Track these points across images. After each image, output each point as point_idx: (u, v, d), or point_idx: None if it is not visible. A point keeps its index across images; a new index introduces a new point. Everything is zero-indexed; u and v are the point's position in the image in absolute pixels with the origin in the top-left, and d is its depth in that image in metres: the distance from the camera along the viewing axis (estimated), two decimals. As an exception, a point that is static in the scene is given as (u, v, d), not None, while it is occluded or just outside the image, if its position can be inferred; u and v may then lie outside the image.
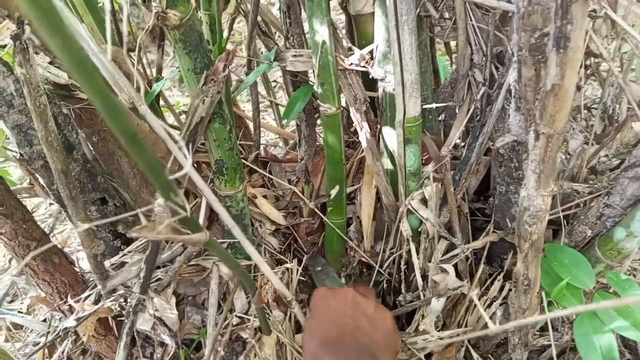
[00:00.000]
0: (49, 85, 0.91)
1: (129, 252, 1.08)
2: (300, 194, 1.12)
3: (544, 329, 0.99)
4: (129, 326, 1.02)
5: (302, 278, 1.15)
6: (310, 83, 1.05)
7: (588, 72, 1.03)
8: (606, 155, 0.96)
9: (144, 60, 1.27)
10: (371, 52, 0.91)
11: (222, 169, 0.93)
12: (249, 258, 1.08)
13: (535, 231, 0.65)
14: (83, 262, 1.17)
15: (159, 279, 1.04)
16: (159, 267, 1.06)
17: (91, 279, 1.12)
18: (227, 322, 1.09)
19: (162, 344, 1.16)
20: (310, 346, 0.67)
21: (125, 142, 0.34)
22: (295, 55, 0.96)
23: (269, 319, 1.01)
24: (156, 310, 1.04)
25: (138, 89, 1.07)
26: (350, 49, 0.94)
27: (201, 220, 0.93)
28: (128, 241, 1.09)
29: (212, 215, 1.10)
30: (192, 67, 0.83)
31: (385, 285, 1.09)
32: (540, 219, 0.64)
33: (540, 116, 0.61)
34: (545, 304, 0.73)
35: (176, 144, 0.40)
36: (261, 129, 1.51)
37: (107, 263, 1.07)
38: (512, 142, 0.79)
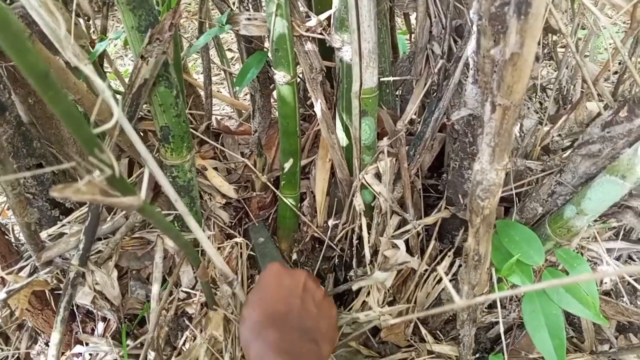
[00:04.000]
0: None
1: (68, 222, 1.02)
2: (252, 167, 1.08)
3: (492, 306, 1.00)
4: (67, 300, 0.96)
5: (253, 253, 1.11)
6: (266, 50, 1.01)
7: (545, 51, 1.03)
8: (559, 135, 0.96)
9: (92, 29, 1.19)
10: (329, 19, 0.87)
11: (167, 136, 0.88)
12: (196, 231, 1.04)
13: (488, 206, 0.64)
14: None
15: (99, 251, 0.99)
16: (100, 239, 1.00)
17: (27, 250, 1.05)
18: (172, 297, 1.05)
19: (104, 319, 1.11)
20: (252, 316, 0.65)
21: (35, 84, 0.30)
22: (249, 19, 0.91)
23: (216, 294, 0.98)
24: (96, 284, 0.99)
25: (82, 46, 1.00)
26: (307, 15, 0.90)
27: (144, 189, 0.88)
28: (67, 211, 1.03)
29: (157, 186, 1.04)
30: (137, 25, 0.78)
31: (337, 261, 1.07)
32: (493, 193, 0.63)
33: (498, 87, 0.59)
34: (495, 280, 0.73)
35: (101, 90, 0.35)
36: (215, 99, 1.45)
37: (44, 234, 1.01)
38: (467, 116, 0.77)
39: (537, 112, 1.14)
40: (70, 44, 0.43)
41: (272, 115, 1.19)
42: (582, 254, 0.88)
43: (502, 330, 0.71)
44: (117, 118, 0.39)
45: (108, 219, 1.02)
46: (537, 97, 1.26)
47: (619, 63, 1.48)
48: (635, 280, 0.93)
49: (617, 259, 1.10)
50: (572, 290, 0.68)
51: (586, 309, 0.67)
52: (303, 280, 0.72)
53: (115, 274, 1.01)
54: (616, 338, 1.07)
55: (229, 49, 2.05)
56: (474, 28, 0.70)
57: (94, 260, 0.98)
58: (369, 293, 0.98)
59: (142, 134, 1.10)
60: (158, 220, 0.52)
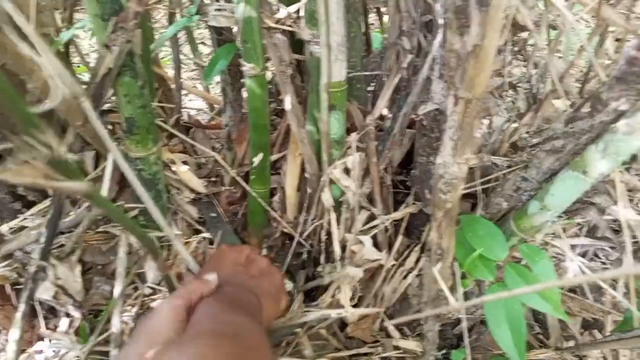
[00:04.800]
0: None
1: (30, 215, 0.99)
2: (221, 162, 1.07)
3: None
4: (27, 295, 0.94)
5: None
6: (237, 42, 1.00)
7: (516, 49, 1.04)
8: (527, 132, 0.96)
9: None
10: (298, 11, 0.86)
11: (132, 127, 0.86)
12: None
13: (450, 199, 0.64)
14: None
15: (62, 245, 0.96)
16: (63, 233, 0.98)
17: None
18: (137, 292, 1.03)
19: (68, 315, 1.09)
20: None
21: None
22: (218, 9, 0.90)
23: (182, 289, 0.96)
24: (58, 279, 0.97)
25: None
26: (276, 6, 0.89)
27: (107, 181, 0.86)
28: (29, 204, 1.00)
29: (123, 179, 1.02)
30: (100, 13, 0.76)
31: (306, 257, 1.06)
32: (455, 187, 0.63)
33: (461, 80, 0.59)
34: (458, 275, 0.73)
35: (44, 66, 0.34)
36: (188, 94, 1.43)
37: (5, 227, 0.98)
38: (434, 111, 0.77)
39: (509, 111, 1.14)
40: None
41: (244, 109, 1.18)
42: (546, 250, 0.88)
43: (464, 326, 0.71)
44: (62, 95, 0.38)
45: (72, 212, 1.00)
46: (509, 95, 1.26)
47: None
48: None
49: (583, 255, 1.11)
50: (534, 285, 0.68)
51: (547, 303, 0.67)
52: (247, 252, 0.83)
53: (78, 268, 0.99)
54: (581, 334, 1.09)
55: (202, 43, 2.03)
56: (440, 21, 0.70)
57: (56, 254, 0.96)
58: (338, 288, 0.97)
59: (110, 127, 1.08)
60: (110, 209, 0.51)
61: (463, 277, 0.75)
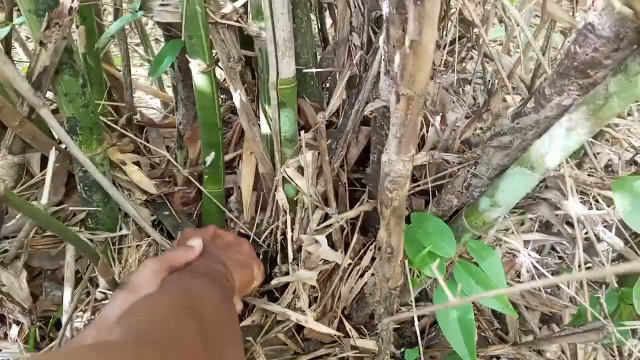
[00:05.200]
0: None
1: (-29, 221, 0.95)
2: (174, 161, 1.04)
3: (418, 300, 1.00)
4: (-31, 304, 0.90)
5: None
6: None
7: (469, 44, 1.03)
8: (481, 128, 0.96)
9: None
10: (245, 6, 0.84)
11: (75, 128, 0.83)
12: (112, 230, 1.00)
13: (396, 197, 0.62)
14: None
15: (5, 251, 0.93)
16: (7, 238, 0.94)
17: None
18: (90, 297, 1.00)
19: (18, 323, 1.05)
20: None
21: None
22: (162, 5, 0.87)
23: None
24: (3, 285, 0.93)
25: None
26: (223, 1, 0.87)
27: (48, 182, 0.82)
28: (-30, 209, 0.96)
29: (71, 181, 0.99)
30: (34, 8, 0.73)
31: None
32: (401, 184, 0.62)
33: (401, 77, 0.58)
34: (409, 273, 0.72)
35: None
36: (143, 92, 1.40)
37: (-55, 234, 0.94)
38: (383, 108, 0.76)
39: (462, 107, 1.14)
40: None
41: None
42: (500, 246, 0.88)
43: (416, 324, 0.70)
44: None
45: (18, 216, 0.96)
46: (468, 92, 1.27)
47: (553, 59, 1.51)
48: (552, 272, 0.94)
49: (540, 250, 1.12)
50: (483, 282, 0.68)
51: (495, 300, 0.67)
52: (211, 230, 0.85)
53: (24, 274, 0.95)
54: (540, 329, 1.09)
55: (156, 39, 1.98)
56: (385, 17, 0.69)
57: (0, 260, 0.92)
58: (295, 291, 0.96)
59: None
60: (30, 212, 0.48)
61: (414, 274, 0.74)
